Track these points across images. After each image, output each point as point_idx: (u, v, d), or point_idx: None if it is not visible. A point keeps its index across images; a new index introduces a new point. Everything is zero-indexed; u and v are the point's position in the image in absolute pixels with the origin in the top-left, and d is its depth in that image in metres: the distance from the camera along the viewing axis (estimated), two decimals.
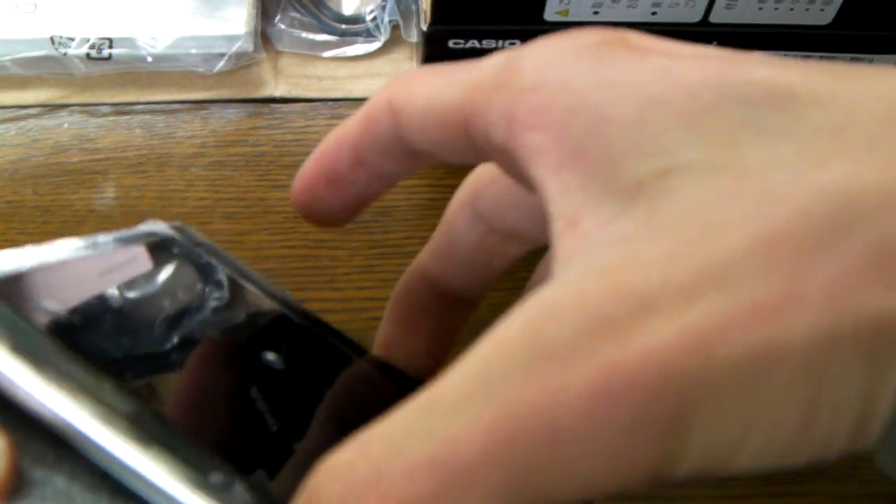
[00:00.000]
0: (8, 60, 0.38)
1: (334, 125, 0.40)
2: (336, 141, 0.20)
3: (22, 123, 0.38)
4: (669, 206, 0.14)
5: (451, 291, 0.24)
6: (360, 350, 0.22)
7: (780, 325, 0.13)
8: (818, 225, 0.13)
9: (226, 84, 0.39)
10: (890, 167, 0.14)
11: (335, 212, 0.21)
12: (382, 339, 0.24)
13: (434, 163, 0.19)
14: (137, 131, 0.38)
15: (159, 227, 0.21)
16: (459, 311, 0.24)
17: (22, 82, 0.39)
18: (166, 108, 0.39)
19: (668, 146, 0.15)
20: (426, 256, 0.24)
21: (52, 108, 0.38)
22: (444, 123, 0.18)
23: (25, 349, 0.14)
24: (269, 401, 0.19)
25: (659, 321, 0.13)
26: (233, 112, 0.39)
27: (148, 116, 0.38)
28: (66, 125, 0.38)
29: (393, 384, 0.21)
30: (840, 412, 0.14)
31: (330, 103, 0.39)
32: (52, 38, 0.38)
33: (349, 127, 0.20)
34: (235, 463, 0.15)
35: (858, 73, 0.15)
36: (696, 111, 0.15)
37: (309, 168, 0.21)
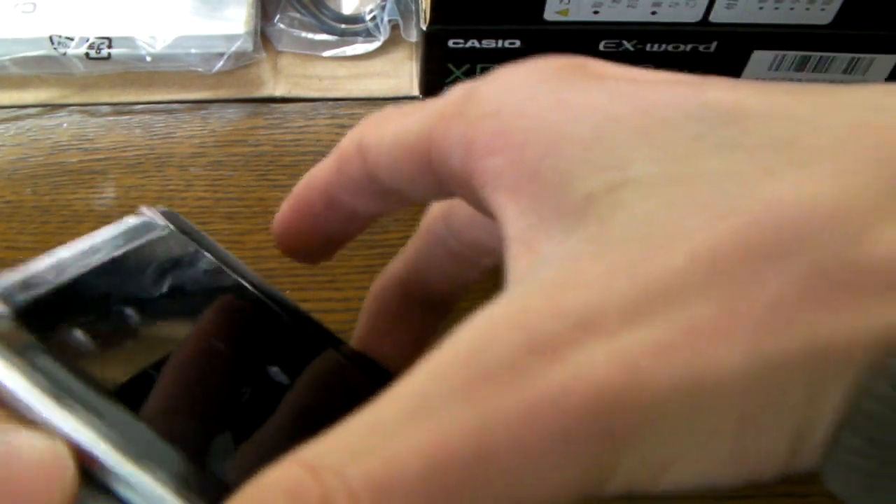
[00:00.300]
0: (7, 60, 0.38)
1: (334, 125, 0.40)
2: (309, 183, 0.21)
3: (21, 123, 0.38)
4: (618, 220, 0.14)
5: (425, 298, 0.24)
6: (339, 342, 0.22)
7: (715, 351, 0.13)
8: (763, 240, 0.13)
9: (225, 84, 0.39)
10: (841, 178, 0.14)
11: (314, 250, 0.22)
12: (357, 343, 0.24)
13: (405, 203, 0.20)
14: (137, 131, 0.38)
15: (149, 215, 0.21)
16: (433, 316, 0.24)
17: (21, 82, 0.39)
18: (166, 107, 0.39)
19: (621, 160, 0.15)
20: (400, 264, 0.24)
21: (51, 107, 0.38)
22: (410, 156, 0.18)
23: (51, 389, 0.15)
24: (245, 391, 0.19)
25: (594, 343, 0.13)
26: (232, 112, 0.39)
27: (147, 116, 0.38)
28: (65, 125, 0.38)
29: (367, 377, 0.21)
30: (775, 436, 0.14)
31: (329, 103, 0.39)
32: (51, 38, 0.38)
33: (321, 169, 0.20)
34: (206, 453, 0.16)
35: (817, 91, 0.15)
36: (651, 126, 0.15)
37: (285, 210, 0.21)
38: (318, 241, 0.21)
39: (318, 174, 0.20)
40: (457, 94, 0.17)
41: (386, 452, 0.13)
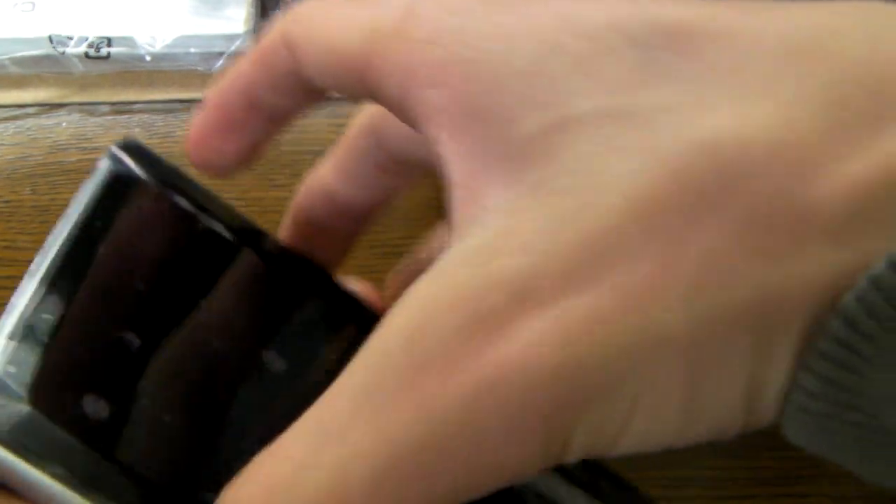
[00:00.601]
0: (6, 59, 0.38)
1: (333, 124, 0.40)
2: (228, 87, 0.20)
3: (20, 122, 0.38)
4: (555, 166, 0.14)
5: (351, 206, 0.23)
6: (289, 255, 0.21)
7: (652, 313, 0.13)
8: (698, 187, 0.13)
9: None
10: (784, 110, 0.13)
11: (232, 162, 0.20)
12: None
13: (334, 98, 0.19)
14: (136, 130, 0.38)
15: (114, 154, 0.20)
16: (358, 223, 0.24)
17: (20, 81, 0.39)
18: (165, 107, 0.39)
19: (561, 95, 0.14)
20: (327, 171, 0.23)
21: (50, 107, 0.38)
22: (343, 67, 0.17)
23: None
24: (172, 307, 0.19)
25: (531, 316, 0.13)
26: None
27: (147, 116, 0.38)
28: (64, 124, 0.38)
29: (297, 282, 0.21)
30: (726, 393, 0.13)
31: (329, 103, 0.39)
32: (50, 37, 0.38)
33: (241, 70, 0.19)
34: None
35: (762, 8, 0.15)
36: (593, 55, 0.14)
37: (201, 120, 0.20)
38: (237, 151, 0.20)
39: (238, 76, 0.19)
40: (395, 5, 0.16)
41: (333, 461, 0.13)
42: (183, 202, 0.20)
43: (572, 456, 0.14)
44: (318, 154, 0.36)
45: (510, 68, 0.15)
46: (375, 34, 0.16)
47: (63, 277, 0.18)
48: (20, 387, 0.17)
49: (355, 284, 0.22)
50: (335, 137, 0.37)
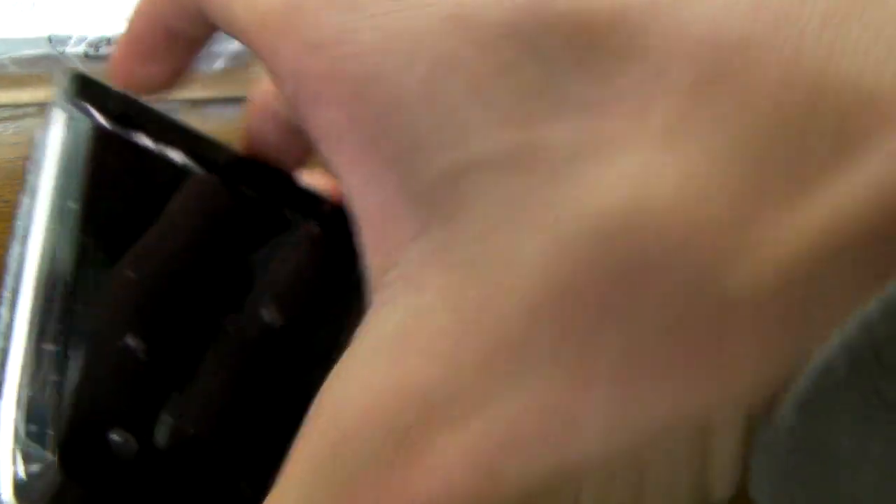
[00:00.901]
0: (5, 59, 0.38)
1: None
2: (143, 18, 0.19)
3: (20, 122, 0.38)
4: (461, 227, 0.13)
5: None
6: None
7: (567, 438, 0.12)
8: (607, 278, 0.12)
9: (224, 82, 0.39)
10: (692, 172, 0.12)
11: (157, 86, 0.21)
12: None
13: None
14: None
15: (61, 102, 0.20)
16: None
17: (19, 81, 0.39)
18: (164, 107, 0.38)
19: (461, 129, 0.13)
20: (270, 89, 0.23)
21: None
22: (241, 35, 0.16)
23: None
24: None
25: (446, 437, 0.12)
26: (231, 111, 0.38)
27: None
28: None
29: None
30: (668, 496, 0.13)
31: None
32: (49, 37, 0.38)
33: (154, 3, 0.19)
34: None
35: None
36: (489, 74, 0.13)
37: (122, 50, 0.20)
38: (160, 74, 0.20)
39: (150, 3, 0.19)
40: None
41: None
42: (143, 141, 0.20)
43: None
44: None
45: (404, 89, 0.13)
46: (266, 20, 0.15)
47: (50, 295, 0.17)
48: (45, 445, 0.16)
49: (314, 178, 0.21)
50: None
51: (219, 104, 0.39)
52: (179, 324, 0.18)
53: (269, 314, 0.18)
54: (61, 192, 0.18)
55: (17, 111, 0.38)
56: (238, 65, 0.39)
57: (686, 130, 0.12)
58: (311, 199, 0.21)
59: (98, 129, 0.19)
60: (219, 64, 0.39)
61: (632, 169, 0.12)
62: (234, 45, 0.39)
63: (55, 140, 0.19)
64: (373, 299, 0.14)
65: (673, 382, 0.12)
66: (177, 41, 0.19)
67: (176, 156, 0.20)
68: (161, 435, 0.17)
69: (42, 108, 0.38)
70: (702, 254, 0.11)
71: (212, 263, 0.19)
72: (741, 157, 0.11)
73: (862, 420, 0.11)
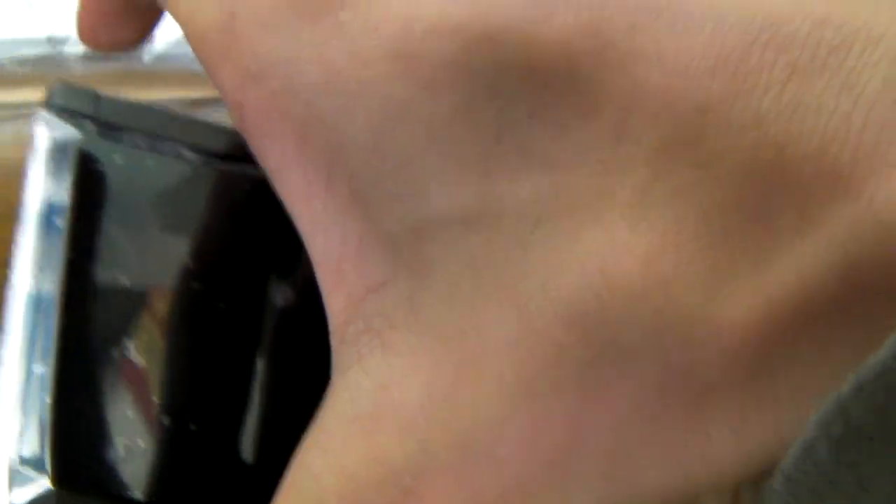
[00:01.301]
0: (5, 59, 0.38)
1: None
2: None
3: (20, 122, 0.38)
4: (427, 297, 0.12)
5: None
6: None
7: None
8: (578, 366, 0.11)
9: None
10: (659, 248, 0.11)
11: (122, 47, 0.20)
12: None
13: None
14: None
15: (44, 116, 0.19)
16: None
17: (19, 81, 0.39)
18: (165, 106, 0.38)
19: (417, 181, 0.12)
20: None
21: None
22: (188, 41, 0.15)
23: None
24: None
25: None
26: None
27: None
28: None
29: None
30: None
31: None
32: (49, 38, 0.38)
33: None
34: None
35: (660, 15, 0.11)
36: (444, 120, 0.12)
37: (84, 15, 0.19)
38: (125, 37, 0.20)
39: None
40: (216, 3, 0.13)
41: None
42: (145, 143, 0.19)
43: None
44: None
45: (352, 138, 0.12)
46: (205, 34, 0.14)
47: (37, 315, 0.17)
48: (41, 469, 0.16)
49: None
50: None
51: (218, 104, 0.39)
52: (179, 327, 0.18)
53: (282, 298, 0.18)
54: (46, 207, 0.18)
55: (17, 111, 0.38)
56: None
57: (651, 203, 0.11)
58: None
59: (84, 138, 0.19)
60: None
61: (600, 245, 0.12)
62: None
63: (40, 155, 0.19)
64: (337, 354, 0.14)
65: (656, 463, 0.12)
66: (138, 7, 0.19)
67: (172, 151, 0.19)
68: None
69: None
70: (673, 339, 0.11)
71: (216, 252, 0.19)
72: (707, 231, 0.11)
73: (850, 500, 0.11)
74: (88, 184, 0.18)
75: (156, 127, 0.19)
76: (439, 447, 0.12)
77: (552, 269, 0.12)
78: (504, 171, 0.12)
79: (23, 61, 0.38)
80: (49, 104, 0.19)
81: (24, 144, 0.38)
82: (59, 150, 0.19)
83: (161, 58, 0.39)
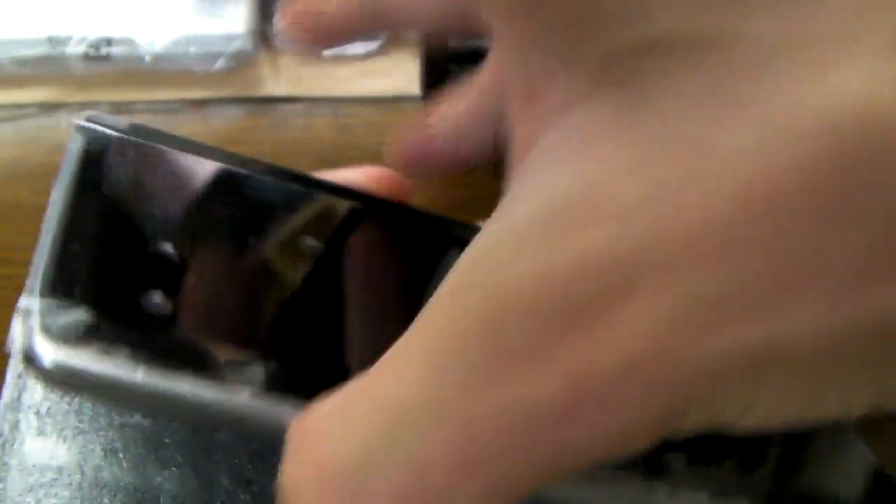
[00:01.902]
0: (5, 59, 0.38)
1: (334, 124, 0.40)
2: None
3: (20, 123, 0.38)
4: (644, 108, 0.12)
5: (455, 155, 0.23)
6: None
7: (781, 320, 0.11)
8: (836, 174, 0.11)
9: (225, 83, 0.39)
10: None
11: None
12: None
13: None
14: None
15: (76, 144, 0.20)
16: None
17: (20, 81, 0.39)
18: (165, 107, 0.38)
19: (649, 4, 0.12)
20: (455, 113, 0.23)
21: (50, 107, 0.38)
22: None
23: None
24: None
25: (634, 309, 0.11)
26: (232, 111, 0.38)
27: (147, 116, 0.38)
28: (64, 124, 0.38)
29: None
30: (852, 398, 0.12)
31: (330, 103, 0.39)
32: (49, 38, 0.38)
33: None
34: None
35: None
36: None
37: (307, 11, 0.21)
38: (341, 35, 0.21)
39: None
40: None
41: (412, 452, 0.12)
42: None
43: (682, 434, 0.12)
44: (319, 154, 0.36)
45: None
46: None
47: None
48: (75, 296, 0.17)
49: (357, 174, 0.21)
50: (336, 138, 0.37)
51: (219, 104, 0.39)
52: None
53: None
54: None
55: (17, 111, 0.38)
56: (238, 65, 0.39)
57: None
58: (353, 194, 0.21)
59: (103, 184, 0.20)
60: (219, 64, 0.39)
61: (858, 74, 0.11)
62: (234, 45, 0.39)
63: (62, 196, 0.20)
64: (518, 167, 0.13)
65: (888, 286, 0.11)
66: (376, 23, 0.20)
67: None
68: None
69: (42, 108, 0.38)
70: None
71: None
72: None
73: None
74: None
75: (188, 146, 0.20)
76: (658, 244, 0.11)
77: (806, 91, 0.11)
78: (743, 12, 0.12)
79: (23, 61, 0.38)
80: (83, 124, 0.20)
81: (24, 144, 0.38)
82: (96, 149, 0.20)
83: (161, 58, 0.39)
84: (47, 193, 0.36)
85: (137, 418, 0.17)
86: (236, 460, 0.17)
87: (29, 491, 0.16)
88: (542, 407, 0.12)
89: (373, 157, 0.37)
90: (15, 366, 0.17)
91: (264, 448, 0.17)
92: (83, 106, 0.38)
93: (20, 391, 0.16)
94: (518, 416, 0.12)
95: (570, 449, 0.12)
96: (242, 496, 0.17)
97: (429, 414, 0.12)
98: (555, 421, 0.12)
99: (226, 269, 0.18)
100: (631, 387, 0.11)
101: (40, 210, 0.36)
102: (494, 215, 0.13)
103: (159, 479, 0.17)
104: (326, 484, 0.12)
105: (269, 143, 0.37)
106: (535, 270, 0.12)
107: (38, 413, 0.16)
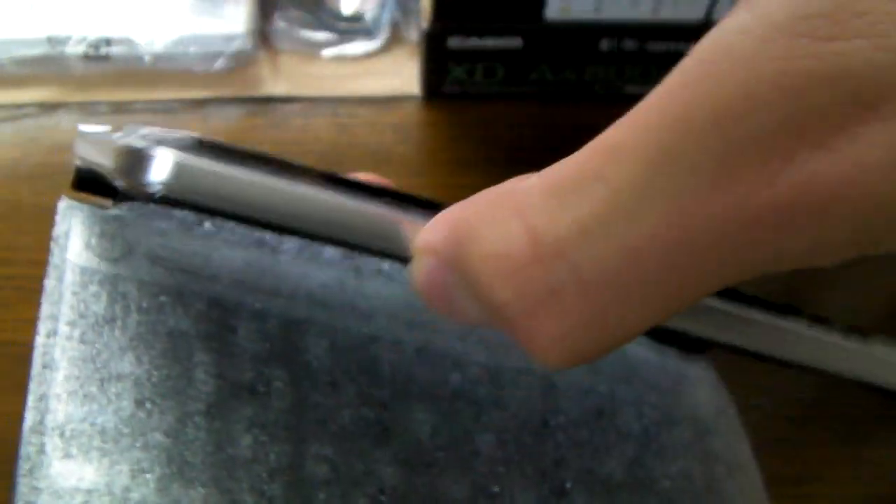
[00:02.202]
0: (5, 59, 0.38)
1: (334, 124, 0.40)
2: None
3: (20, 123, 0.38)
4: None
5: None
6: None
7: None
8: None
9: (225, 83, 0.39)
10: None
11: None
12: None
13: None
14: None
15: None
16: None
17: (19, 81, 0.39)
18: (165, 107, 0.38)
19: None
20: None
21: (50, 107, 0.38)
22: None
23: None
24: None
25: (878, 127, 0.11)
26: (232, 111, 0.38)
27: (146, 116, 0.38)
28: (64, 124, 0.38)
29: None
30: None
31: (330, 102, 0.39)
32: (49, 38, 0.38)
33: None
34: None
35: None
36: None
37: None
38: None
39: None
40: None
41: (623, 240, 0.12)
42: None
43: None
44: (319, 154, 0.36)
45: None
46: None
47: None
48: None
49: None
50: (336, 137, 0.37)
51: (218, 104, 0.39)
52: None
53: None
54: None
55: (17, 111, 0.38)
56: (238, 65, 0.39)
57: None
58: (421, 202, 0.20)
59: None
60: (219, 64, 0.39)
61: None
62: (234, 45, 0.39)
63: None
64: None
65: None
66: None
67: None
68: None
69: (42, 108, 0.38)
70: None
71: None
72: None
73: None
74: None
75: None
76: None
77: None
78: None
79: (22, 61, 0.38)
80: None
81: (24, 144, 0.38)
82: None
83: (161, 58, 0.39)
84: (47, 193, 0.36)
85: (158, 437, 0.17)
86: (257, 476, 0.17)
87: None
88: (764, 213, 0.12)
89: (372, 157, 0.37)
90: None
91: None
92: (83, 106, 0.38)
93: (42, 414, 0.16)
94: (740, 218, 0.12)
95: (781, 254, 0.12)
96: None
97: (643, 206, 0.12)
98: (773, 226, 0.12)
99: None
100: (858, 199, 0.11)
101: (40, 210, 0.36)
102: (739, 6, 0.13)
103: (186, 500, 0.16)
104: (537, 254, 0.13)
105: (268, 142, 0.37)
106: (782, 68, 0.11)
107: (62, 435, 0.16)
